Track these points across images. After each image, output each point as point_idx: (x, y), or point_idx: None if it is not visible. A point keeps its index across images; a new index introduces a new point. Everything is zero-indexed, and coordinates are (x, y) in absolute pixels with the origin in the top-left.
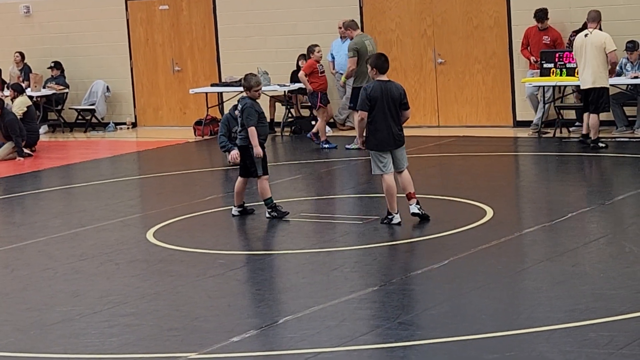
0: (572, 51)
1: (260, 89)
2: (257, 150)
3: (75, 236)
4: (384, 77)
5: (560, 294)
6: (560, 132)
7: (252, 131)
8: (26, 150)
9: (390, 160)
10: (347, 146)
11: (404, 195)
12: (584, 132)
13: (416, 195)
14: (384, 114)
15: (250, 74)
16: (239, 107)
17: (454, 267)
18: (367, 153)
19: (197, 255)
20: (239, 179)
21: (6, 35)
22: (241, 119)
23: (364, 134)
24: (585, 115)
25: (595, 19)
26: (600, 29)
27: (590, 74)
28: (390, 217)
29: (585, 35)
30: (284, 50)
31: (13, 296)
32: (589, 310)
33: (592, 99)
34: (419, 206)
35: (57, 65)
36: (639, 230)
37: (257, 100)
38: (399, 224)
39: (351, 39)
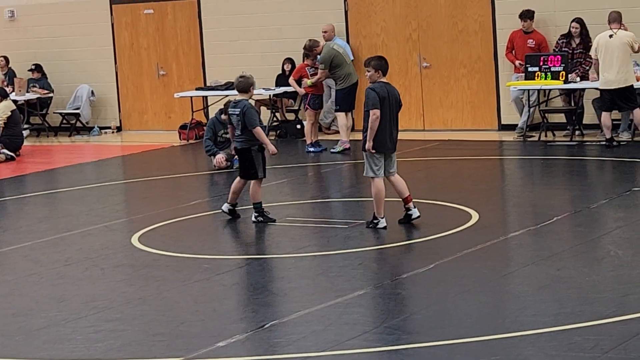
0: (557, 54)
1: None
2: (272, 147)
3: (61, 241)
4: (385, 79)
5: (545, 297)
6: (545, 136)
7: (260, 131)
8: (7, 152)
9: (383, 163)
10: (332, 150)
11: (400, 199)
12: (607, 136)
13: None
14: (388, 115)
15: (245, 74)
16: (237, 110)
17: (439, 271)
18: (354, 156)
19: (182, 260)
20: (238, 178)
21: None
22: (241, 121)
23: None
24: (606, 115)
25: (616, 19)
26: (624, 29)
27: (618, 72)
28: (376, 221)
29: (610, 36)
30: (269, 54)
31: None
32: (575, 314)
33: (627, 96)
34: (416, 209)
35: (38, 68)
36: (624, 234)
37: None
38: (384, 228)
39: (319, 54)
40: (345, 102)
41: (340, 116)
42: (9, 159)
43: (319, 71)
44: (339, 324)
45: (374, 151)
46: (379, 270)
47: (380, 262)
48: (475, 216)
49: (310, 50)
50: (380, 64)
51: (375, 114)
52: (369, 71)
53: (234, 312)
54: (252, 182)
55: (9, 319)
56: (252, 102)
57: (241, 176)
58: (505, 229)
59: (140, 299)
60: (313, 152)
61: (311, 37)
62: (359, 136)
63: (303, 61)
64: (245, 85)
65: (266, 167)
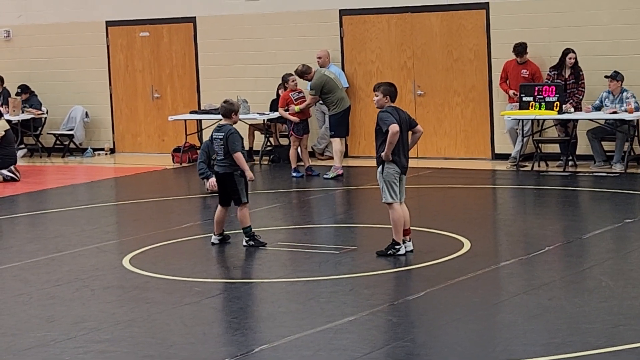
0: (551, 85)
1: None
2: (249, 173)
3: (51, 261)
4: (394, 105)
5: (536, 327)
6: (539, 166)
7: (240, 156)
8: (7, 173)
9: (399, 189)
10: (325, 176)
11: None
12: None
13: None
14: (403, 137)
15: (230, 100)
16: (220, 134)
17: (430, 298)
18: (347, 182)
19: (173, 283)
20: (219, 207)
21: None
22: (224, 146)
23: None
24: None
25: None
26: None
27: None
28: (398, 247)
29: None
30: (263, 79)
31: None
32: (565, 344)
33: None
34: (410, 242)
35: (25, 89)
36: (616, 265)
37: None
38: (404, 254)
39: (310, 80)
40: (340, 127)
41: (336, 142)
42: (7, 180)
43: (309, 97)
44: (329, 350)
45: (390, 159)
46: (369, 296)
47: (371, 288)
48: (467, 244)
49: (302, 75)
50: (390, 90)
51: (394, 128)
52: (377, 95)
53: (223, 336)
54: (238, 208)
55: None
56: (247, 128)
57: (221, 203)
58: (497, 258)
59: (130, 320)
60: (295, 177)
61: (306, 62)
62: (352, 162)
63: (278, 90)
64: (227, 110)
65: (249, 192)
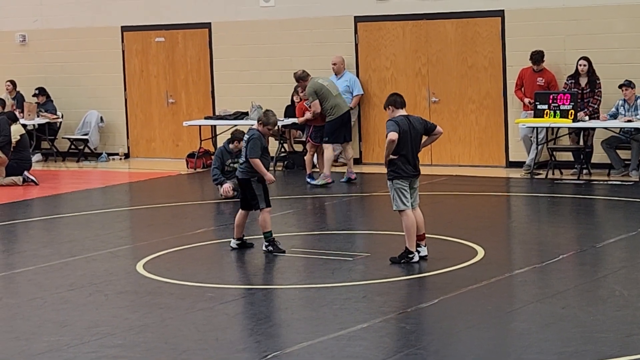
0: (566, 93)
1: (274, 130)
2: (269, 177)
3: (65, 266)
4: (404, 112)
5: (549, 336)
6: (553, 174)
7: (257, 162)
8: (29, 176)
9: (410, 195)
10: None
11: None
12: None
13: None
14: (410, 146)
15: (272, 112)
16: (246, 137)
17: (444, 306)
18: (361, 189)
19: (186, 288)
20: (240, 211)
21: (1, 63)
22: (245, 149)
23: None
24: None
25: None
26: None
27: None
28: (411, 255)
29: None
30: (278, 85)
31: (0, 325)
32: (578, 353)
33: None
34: (425, 248)
35: (42, 91)
36: (630, 273)
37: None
38: (418, 262)
39: (304, 88)
40: (335, 133)
41: (328, 149)
42: (28, 181)
43: (312, 104)
44: (342, 357)
45: (395, 157)
46: (383, 303)
47: (384, 295)
48: (480, 252)
49: (298, 80)
50: (391, 100)
51: (392, 137)
52: (388, 110)
53: (236, 342)
54: (260, 212)
55: (11, 342)
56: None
57: (242, 207)
58: (511, 266)
59: (143, 325)
60: (310, 183)
61: (321, 69)
62: (366, 169)
63: (292, 96)
64: (264, 118)
65: (269, 197)
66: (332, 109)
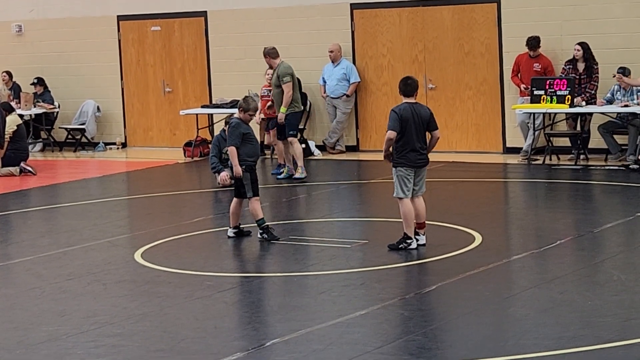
0: (563, 78)
1: (255, 115)
2: (237, 169)
3: (63, 255)
4: (412, 100)
5: (547, 321)
6: (550, 159)
7: (232, 151)
8: (27, 167)
9: (412, 185)
10: (278, 177)
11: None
12: None
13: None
14: (414, 135)
15: (251, 98)
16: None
17: (441, 292)
18: (359, 177)
19: (184, 277)
20: (234, 199)
21: None
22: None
23: (391, 154)
24: None
25: None
26: None
27: None
28: (409, 241)
29: None
30: None
31: None
32: (577, 338)
33: None
34: (424, 236)
35: (40, 81)
36: (627, 258)
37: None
38: (416, 248)
39: (272, 67)
40: (298, 127)
41: (296, 143)
42: (26, 172)
43: (285, 87)
44: (340, 344)
45: (390, 162)
46: (381, 290)
47: (382, 282)
48: (478, 238)
49: (267, 55)
50: (399, 86)
51: (390, 135)
52: None
53: (235, 330)
54: (249, 201)
55: (10, 332)
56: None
57: (236, 195)
58: (508, 252)
59: (141, 314)
60: (278, 178)
61: (318, 56)
62: (363, 156)
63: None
64: (244, 104)
65: (257, 186)
66: (297, 101)
